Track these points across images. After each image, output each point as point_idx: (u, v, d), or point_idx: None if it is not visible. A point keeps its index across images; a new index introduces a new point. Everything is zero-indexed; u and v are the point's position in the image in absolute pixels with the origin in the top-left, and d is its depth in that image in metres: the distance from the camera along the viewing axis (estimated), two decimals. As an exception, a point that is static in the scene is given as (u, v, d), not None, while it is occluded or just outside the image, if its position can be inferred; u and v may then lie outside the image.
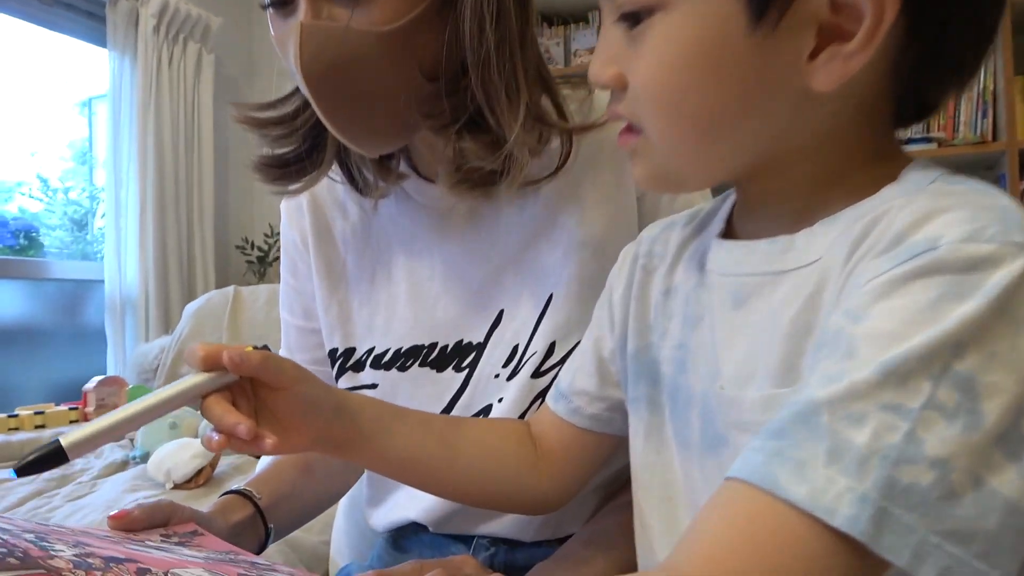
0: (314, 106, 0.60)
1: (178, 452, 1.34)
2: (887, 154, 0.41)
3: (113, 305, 2.62)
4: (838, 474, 0.30)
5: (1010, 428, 0.30)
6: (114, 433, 0.46)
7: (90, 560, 0.37)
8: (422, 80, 0.61)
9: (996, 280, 0.31)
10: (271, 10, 0.62)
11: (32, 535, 0.37)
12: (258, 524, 0.71)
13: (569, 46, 2.62)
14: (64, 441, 0.43)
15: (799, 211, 0.41)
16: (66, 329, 2.69)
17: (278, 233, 3.06)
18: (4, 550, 0.34)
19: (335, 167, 0.72)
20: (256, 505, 0.72)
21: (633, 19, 0.40)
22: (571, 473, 0.60)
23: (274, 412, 0.50)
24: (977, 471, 0.29)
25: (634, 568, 0.54)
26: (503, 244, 0.70)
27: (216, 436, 0.48)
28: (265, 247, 3.04)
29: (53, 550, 0.36)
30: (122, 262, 2.66)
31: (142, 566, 0.38)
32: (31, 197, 2.81)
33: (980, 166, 2.26)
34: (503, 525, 0.71)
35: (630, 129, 0.43)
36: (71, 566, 0.35)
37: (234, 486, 0.74)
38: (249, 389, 0.50)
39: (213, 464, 1.40)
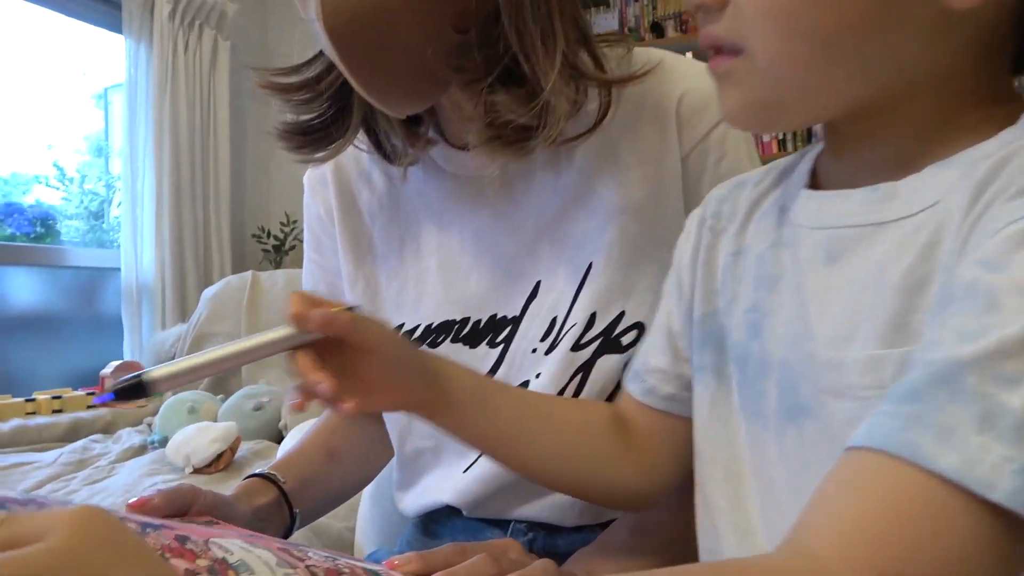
0: (338, 62, 0.56)
1: (197, 436, 1.32)
2: (1004, 96, 0.37)
3: (129, 293, 2.63)
4: (993, 442, 0.26)
5: None
6: (197, 374, 0.47)
7: (127, 525, 0.34)
8: (451, 31, 0.57)
9: None
10: None
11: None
12: (283, 508, 0.68)
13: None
14: (147, 376, 0.44)
15: (904, 156, 0.37)
16: (83, 316, 2.70)
17: (295, 221, 3.06)
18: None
19: (361, 134, 0.69)
20: (281, 489, 0.69)
21: None
22: (658, 462, 0.55)
23: (360, 372, 0.49)
24: None
25: (685, 558, 0.51)
26: (537, 212, 0.67)
27: (298, 395, 0.47)
28: (281, 236, 3.04)
29: None
30: (138, 250, 2.66)
31: (180, 533, 0.35)
32: (48, 186, 2.81)
33: None
34: (542, 509, 0.68)
35: (725, 52, 0.39)
36: None
37: (257, 470, 0.72)
38: (336, 348, 0.49)
39: (233, 449, 1.39)
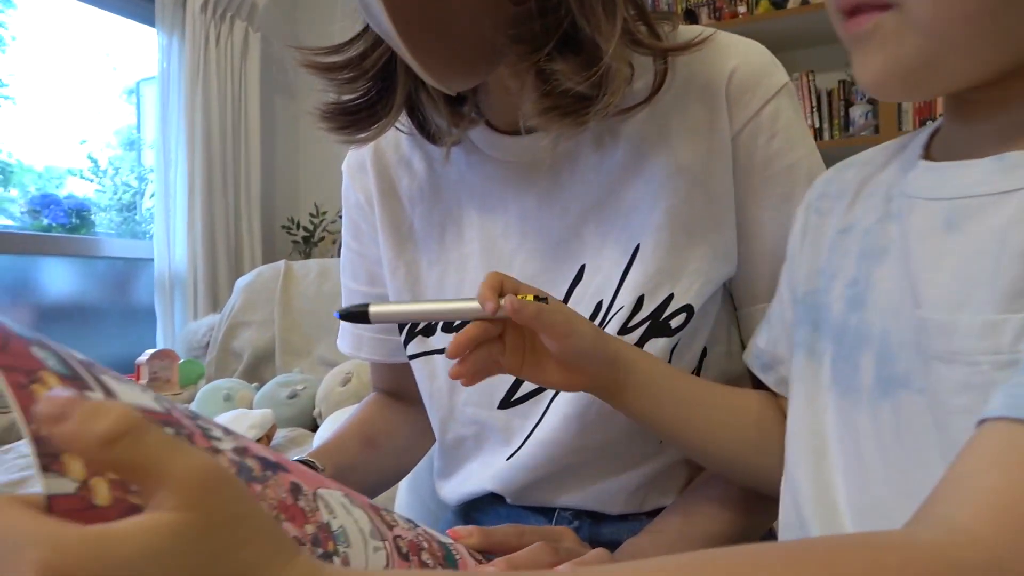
0: (395, 37, 0.55)
1: (234, 423, 1.34)
2: None
3: (162, 283, 2.66)
4: None
5: None
6: (407, 317, 0.60)
7: (248, 462, 0.34)
8: (507, 3, 0.56)
9: None
10: None
11: (197, 422, 0.34)
12: None
13: None
14: (371, 308, 0.53)
15: (1020, 125, 0.37)
16: (117, 306, 2.73)
17: (324, 213, 3.06)
18: (179, 430, 0.31)
19: (403, 115, 0.68)
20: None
21: None
22: None
23: (549, 355, 0.53)
24: None
25: (735, 541, 0.50)
26: (583, 193, 0.66)
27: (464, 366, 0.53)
28: (311, 227, 3.05)
29: (217, 440, 0.34)
30: (171, 241, 2.70)
31: (295, 480, 0.36)
32: (82, 178, 2.85)
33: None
34: (586, 497, 0.67)
35: (867, 9, 0.37)
36: (234, 468, 0.33)
37: (294, 457, 0.72)
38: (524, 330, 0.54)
39: (270, 435, 1.40)
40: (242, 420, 1.35)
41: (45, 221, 2.59)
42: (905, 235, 0.41)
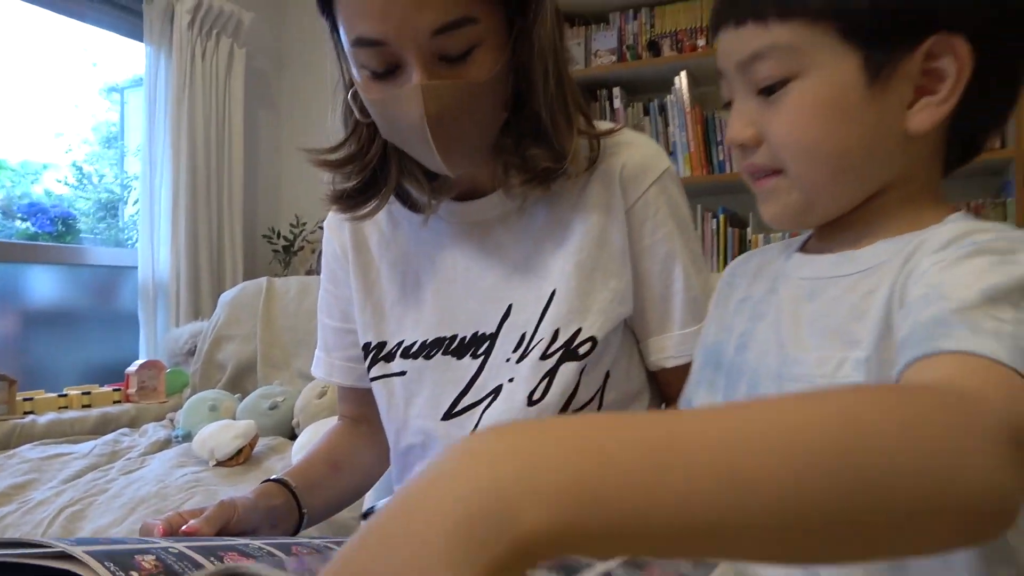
0: (434, 151, 0.71)
1: (221, 432, 1.45)
2: (937, 202, 0.54)
3: (146, 291, 2.71)
4: (987, 339, 0.39)
5: None
6: None
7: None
8: (503, 111, 0.75)
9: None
10: (375, 80, 0.71)
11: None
12: (294, 509, 0.83)
13: (590, 46, 2.68)
14: None
15: (865, 235, 0.53)
16: (100, 313, 2.79)
17: (304, 223, 3.17)
18: None
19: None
20: (292, 492, 0.83)
21: (769, 90, 0.52)
22: None
23: None
24: None
25: None
26: (512, 248, 0.83)
27: None
28: (291, 236, 3.14)
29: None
30: (155, 249, 2.75)
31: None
32: (66, 184, 2.92)
33: (989, 171, 2.31)
34: None
35: (765, 175, 0.55)
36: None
37: (273, 476, 0.86)
38: None
39: (252, 444, 1.51)
40: (229, 430, 1.46)
41: (31, 229, 2.66)
42: (780, 301, 0.57)
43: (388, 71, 0.69)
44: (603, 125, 0.83)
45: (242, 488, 1.11)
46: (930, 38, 0.48)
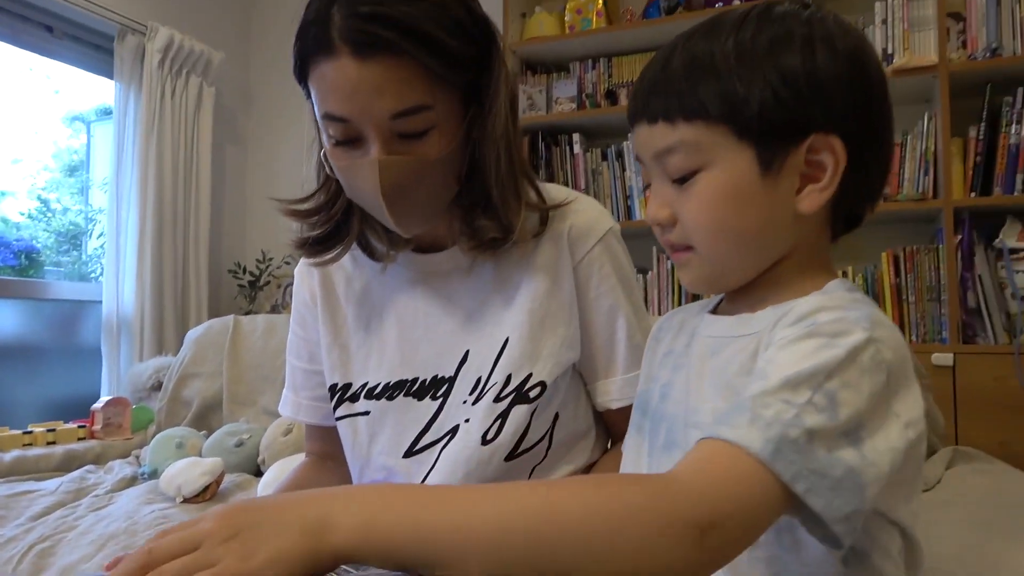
0: (387, 215, 0.80)
1: (188, 469, 1.48)
2: (823, 270, 0.64)
3: (110, 325, 2.71)
4: (755, 430, 0.48)
5: (852, 428, 0.49)
6: None
7: None
8: (454, 184, 0.83)
9: (848, 342, 0.51)
10: (339, 147, 0.79)
11: None
12: None
13: (551, 94, 2.80)
14: None
15: (761, 301, 0.63)
16: (62, 348, 2.78)
17: (270, 259, 3.22)
18: None
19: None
20: None
21: (681, 179, 0.60)
22: None
23: None
24: (829, 444, 0.48)
25: None
26: (469, 298, 0.91)
27: None
28: (257, 272, 3.18)
29: None
30: (120, 283, 2.75)
31: None
32: (29, 217, 2.92)
33: (922, 220, 2.46)
34: None
35: (680, 249, 0.64)
36: None
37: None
38: None
39: (219, 481, 1.54)
40: (196, 467, 1.49)
41: (-4, 264, 2.66)
42: (691, 357, 0.66)
43: (351, 141, 0.78)
44: (558, 194, 0.91)
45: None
46: (809, 137, 0.58)
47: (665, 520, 0.44)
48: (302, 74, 0.78)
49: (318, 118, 0.79)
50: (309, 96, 0.80)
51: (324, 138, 0.80)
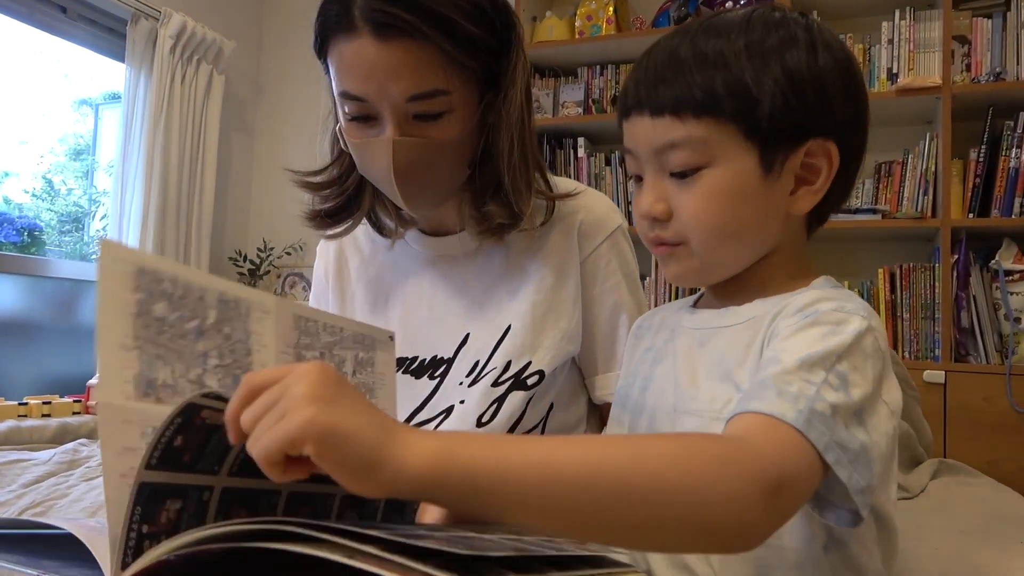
0: (397, 194, 0.81)
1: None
2: (804, 266, 0.66)
3: (109, 305, 2.73)
4: (785, 402, 0.50)
5: (860, 408, 0.52)
6: None
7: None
8: (466, 168, 0.84)
9: (851, 328, 0.54)
10: (354, 124, 0.80)
11: None
12: None
13: (558, 98, 2.82)
14: None
15: (746, 294, 0.65)
16: (61, 326, 2.80)
17: (271, 248, 3.21)
18: None
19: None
20: None
21: (681, 175, 0.61)
22: None
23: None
24: (846, 422, 0.51)
25: None
26: (474, 285, 0.92)
27: None
28: (257, 261, 3.19)
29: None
30: (121, 265, 2.78)
31: None
32: (33, 195, 2.94)
33: (919, 239, 2.49)
34: None
35: (667, 244, 0.64)
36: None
37: None
38: None
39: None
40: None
41: (-1, 239, 2.67)
42: (675, 349, 0.68)
43: (366, 119, 0.79)
44: (567, 185, 0.92)
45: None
46: (809, 142, 0.61)
47: (748, 478, 0.45)
48: (321, 49, 0.80)
49: (335, 95, 0.80)
50: (327, 72, 0.81)
51: (340, 114, 0.82)
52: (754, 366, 0.59)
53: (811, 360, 0.52)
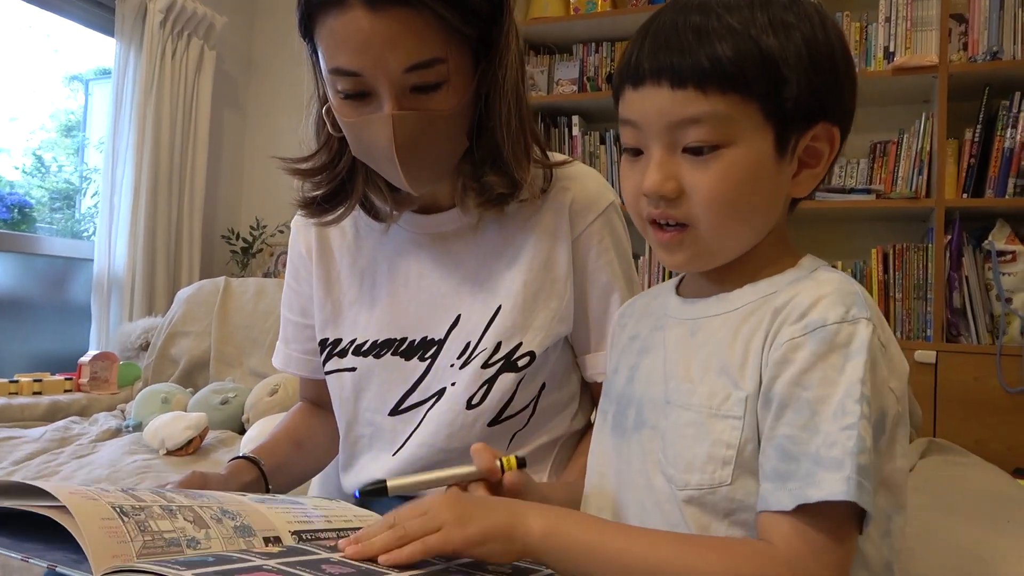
0: (399, 172, 0.79)
1: (173, 423, 1.49)
2: (788, 247, 0.65)
3: (101, 284, 2.71)
4: (832, 476, 0.52)
5: (879, 418, 0.54)
6: (418, 488, 0.66)
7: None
8: (465, 140, 0.82)
9: (860, 341, 0.54)
10: (348, 102, 0.78)
11: None
12: (261, 486, 0.90)
13: (553, 75, 2.80)
14: (389, 483, 0.64)
15: (735, 277, 0.63)
16: (52, 303, 2.78)
17: (264, 226, 3.21)
18: None
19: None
20: (261, 470, 0.90)
21: (697, 151, 0.57)
22: None
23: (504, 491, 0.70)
24: (874, 442, 0.53)
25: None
26: (464, 262, 0.90)
27: None
28: (250, 239, 3.17)
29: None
30: (112, 242, 2.75)
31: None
32: (23, 172, 2.91)
33: (914, 218, 2.48)
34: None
35: (672, 227, 0.61)
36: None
37: (234, 455, 0.91)
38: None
39: (202, 436, 1.56)
40: (180, 421, 1.50)
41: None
42: (664, 339, 0.66)
43: (362, 96, 0.77)
44: (557, 156, 0.91)
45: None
46: (817, 125, 0.60)
47: None
48: (307, 29, 0.77)
49: (325, 74, 0.78)
50: (313, 52, 0.79)
51: (331, 94, 0.79)
52: (757, 367, 0.57)
53: (841, 405, 0.53)
